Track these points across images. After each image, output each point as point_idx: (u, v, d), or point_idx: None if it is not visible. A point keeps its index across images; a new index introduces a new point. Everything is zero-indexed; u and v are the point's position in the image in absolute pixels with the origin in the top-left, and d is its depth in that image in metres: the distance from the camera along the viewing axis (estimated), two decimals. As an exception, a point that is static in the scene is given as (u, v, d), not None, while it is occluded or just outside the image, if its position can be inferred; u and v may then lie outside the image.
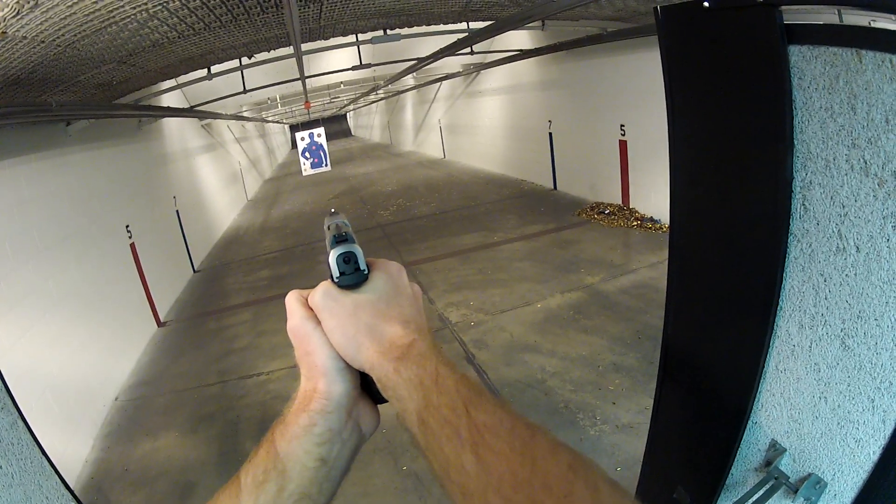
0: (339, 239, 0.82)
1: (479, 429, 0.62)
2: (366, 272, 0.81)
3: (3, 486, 1.61)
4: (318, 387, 0.78)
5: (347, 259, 0.80)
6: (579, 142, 14.03)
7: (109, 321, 8.51)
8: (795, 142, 1.40)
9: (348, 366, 0.79)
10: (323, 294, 0.80)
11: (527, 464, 0.58)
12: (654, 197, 11.31)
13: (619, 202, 12.46)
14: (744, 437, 1.75)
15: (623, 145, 11.95)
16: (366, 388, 0.82)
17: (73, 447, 6.37)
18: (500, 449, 0.60)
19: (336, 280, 0.80)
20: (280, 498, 0.74)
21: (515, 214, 14.21)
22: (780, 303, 1.55)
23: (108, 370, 8.06)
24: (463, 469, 0.61)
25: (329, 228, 0.88)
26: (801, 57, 1.36)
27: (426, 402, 0.67)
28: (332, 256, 0.80)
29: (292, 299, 0.83)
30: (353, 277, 0.80)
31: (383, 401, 0.80)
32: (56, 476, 1.85)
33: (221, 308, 11.31)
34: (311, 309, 0.81)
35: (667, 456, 2.13)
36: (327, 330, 0.79)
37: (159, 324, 10.63)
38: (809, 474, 1.59)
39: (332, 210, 0.97)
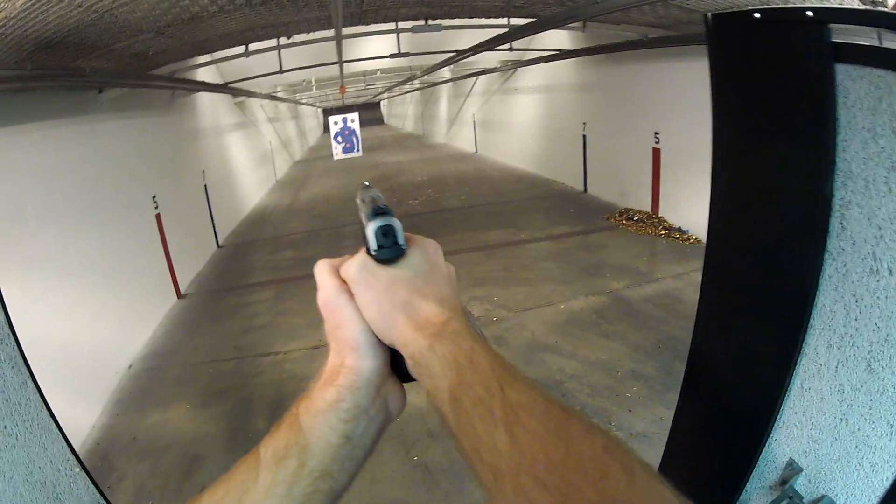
0: (378, 211, 0.79)
1: (514, 408, 0.60)
2: (404, 247, 0.79)
3: (7, 446, 1.61)
4: (347, 361, 0.77)
5: (386, 232, 0.78)
6: (612, 146, 13.93)
7: (129, 290, 8.60)
8: (837, 160, 1.39)
9: (379, 342, 0.77)
10: (359, 266, 0.78)
11: (561, 445, 0.57)
12: (683, 207, 11.21)
13: (649, 210, 12.36)
14: (762, 454, 1.74)
15: (656, 153, 11.85)
16: (394, 366, 0.80)
17: (81, 412, 6.45)
18: (534, 429, 0.58)
19: (373, 253, 0.78)
20: (300, 474, 0.72)
21: (544, 214, 14.17)
22: (811, 321, 1.53)
23: (124, 339, 8.15)
24: (495, 449, 0.59)
25: (364, 201, 0.86)
26: (846, 76, 1.35)
27: (460, 379, 0.66)
28: (371, 229, 0.78)
29: (324, 270, 0.81)
30: (391, 251, 0.78)
31: (411, 379, 0.78)
32: (62, 439, 1.84)
33: (243, 285, 11.39)
34: (344, 281, 0.79)
35: (681, 468, 2.12)
36: (361, 304, 0.77)
37: (179, 296, 10.72)
38: (823, 496, 1.58)
39: (366, 183, 0.94)
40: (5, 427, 1.63)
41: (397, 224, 0.79)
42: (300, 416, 0.76)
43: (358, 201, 0.90)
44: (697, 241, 10.52)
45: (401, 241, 0.79)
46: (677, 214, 11.50)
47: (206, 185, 13.81)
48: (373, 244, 0.78)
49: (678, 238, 10.92)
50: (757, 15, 1.47)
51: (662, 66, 11.06)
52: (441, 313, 0.74)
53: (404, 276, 0.77)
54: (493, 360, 0.67)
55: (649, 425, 5.39)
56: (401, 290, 0.76)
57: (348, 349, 0.77)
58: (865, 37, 1.35)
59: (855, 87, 1.33)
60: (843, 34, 1.36)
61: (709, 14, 1.60)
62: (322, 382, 0.78)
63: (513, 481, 0.57)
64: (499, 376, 0.64)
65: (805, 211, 1.49)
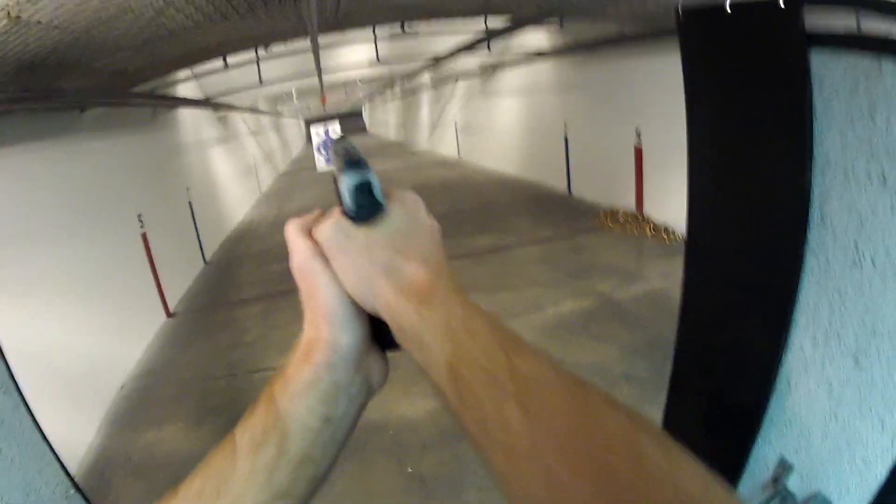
0: (353, 163, 0.71)
1: (525, 379, 0.54)
2: (383, 204, 0.71)
3: (2, 469, 1.59)
4: (323, 335, 0.69)
5: (362, 188, 0.69)
6: (595, 146, 13.95)
7: (118, 310, 8.54)
8: (814, 149, 1.36)
9: (359, 311, 0.70)
10: (333, 227, 0.70)
11: (584, 418, 0.51)
12: (668, 205, 11.21)
13: (634, 209, 12.38)
14: (753, 453, 1.71)
15: (638, 152, 11.86)
16: (376, 335, 0.73)
17: (77, 433, 6.40)
18: (552, 402, 0.52)
19: (349, 212, 0.70)
20: (281, 460, 0.67)
21: (528, 217, 14.15)
22: (795, 317, 1.51)
23: (115, 358, 8.09)
24: (507, 426, 0.52)
25: (338, 153, 0.77)
26: (821, 63, 1.32)
27: (456, 348, 0.59)
28: (345, 184, 0.70)
29: (295, 231, 0.73)
30: (368, 210, 0.69)
31: (395, 348, 0.71)
32: (57, 462, 1.83)
33: (232, 301, 11.33)
34: (318, 243, 0.71)
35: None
36: (337, 268, 0.70)
37: (168, 314, 10.64)
38: (816, 493, 1.55)
39: (341, 134, 0.86)
40: (1, 450, 1.61)
41: (374, 178, 0.71)
42: (276, 397, 0.70)
43: (331, 153, 0.83)
44: (684, 238, 10.52)
45: (379, 197, 0.71)
46: (662, 212, 11.51)
47: (190, 202, 13.72)
48: (348, 202, 0.70)
49: (664, 236, 10.94)
50: (727, 5, 1.45)
51: (641, 63, 11.07)
52: (427, 274, 0.67)
53: (384, 236, 0.69)
54: (492, 325, 0.61)
55: (642, 427, 5.36)
56: (380, 251, 0.68)
57: (323, 321, 0.70)
58: (840, 22, 1.32)
59: (830, 73, 1.31)
60: (818, 21, 1.34)
61: (679, 7, 1.57)
62: (297, 359, 0.71)
63: (534, 461, 0.50)
64: (501, 343, 0.59)
65: (784, 203, 1.47)
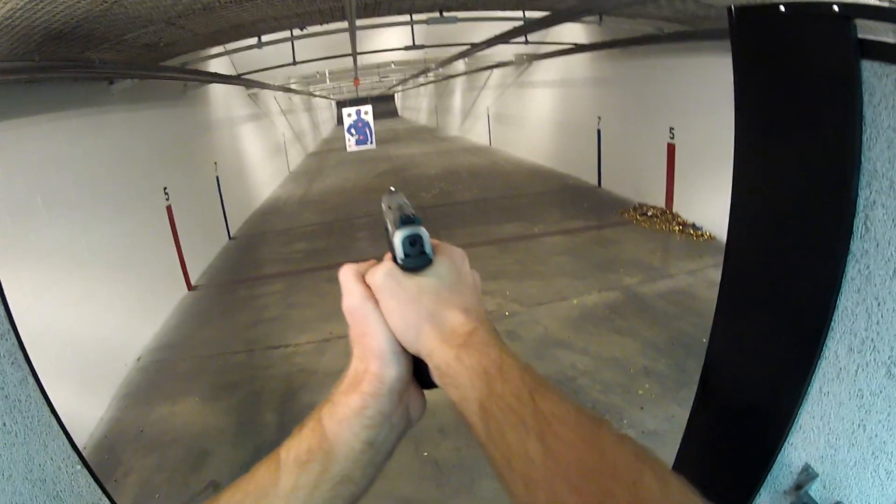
0: (406, 220, 0.79)
1: (546, 417, 0.61)
2: (431, 256, 0.79)
3: (6, 444, 1.60)
4: (371, 368, 0.77)
5: (414, 241, 0.78)
6: (627, 141, 13.88)
7: (139, 282, 8.64)
8: (862, 159, 1.36)
9: (403, 350, 0.77)
10: (386, 275, 0.77)
11: (595, 452, 0.57)
12: (698, 203, 11.15)
13: (663, 206, 12.31)
14: (777, 458, 1.71)
15: (671, 149, 11.79)
16: (415, 372, 0.80)
17: (89, 405, 6.48)
18: (567, 437, 0.59)
19: (400, 262, 0.78)
20: (323, 479, 0.73)
21: (557, 208, 14.12)
22: (832, 323, 1.50)
23: (133, 331, 8.19)
24: (528, 458, 0.59)
25: (391, 208, 0.86)
26: (872, 73, 1.31)
27: (489, 390, 0.65)
28: (398, 238, 0.78)
29: (350, 276, 0.81)
30: (418, 261, 0.78)
31: (432, 386, 0.78)
32: (64, 436, 1.83)
33: (254, 277, 11.42)
34: (369, 287, 0.79)
35: (695, 470, 2.09)
36: (386, 312, 0.76)
37: (190, 288, 10.76)
38: (837, 503, 1.55)
39: (392, 188, 0.95)
40: (4, 424, 1.62)
41: (425, 233, 0.79)
42: (323, 420, 0.76)
43: (384, 207, 0.90)
44: (711, 237, 10.47)
45: (428, 250, 0.79)
46: (691, 210, 11.45)
47: (217, 177, 13.85)
48: (400, 253, 0.78)
49: (692, 234, 10.87)
50: (782, 8, 1.44)
51: (678, 62, 11.00)
52: (467, 323, 0.74)
53: (430, 286, 0.77)
54: (523, 370, 0.67)
55: (661, 423, 5.36)
56: (427, 299, 0.76)
57: (373, 356, 0.77)
58: (891, 34, 1.31)
59: (881, 84, 1.30)
60: (870, 31, 1.33)
61: (732, 7, 1.56)
62: (345, 388, 0.78)
63: (546, 490, 0.58)
64: (529, 385, 0.64)
65: (828, 211, 1.46)
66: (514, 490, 0.61)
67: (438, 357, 0.72)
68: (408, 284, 0.76)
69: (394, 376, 0.76)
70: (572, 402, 0.63)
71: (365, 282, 0.79)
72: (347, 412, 0.75)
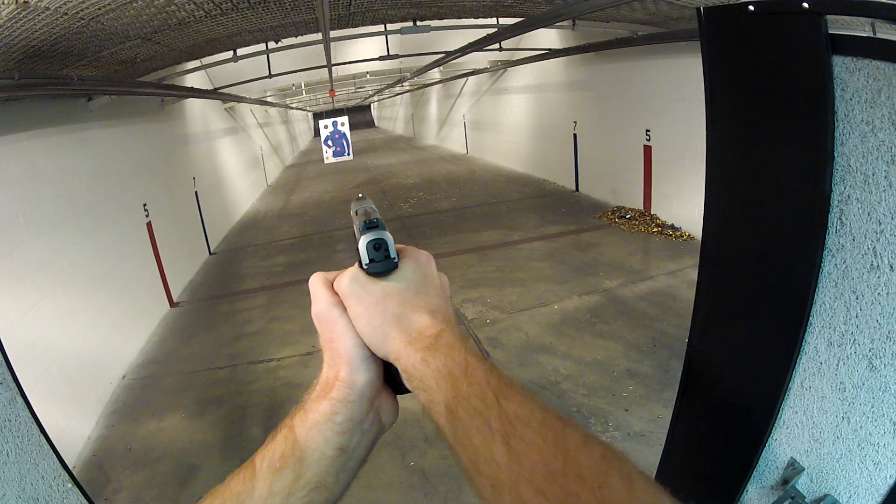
0: (370, 225, 0.80)
1: (511, 419, 0.60)
2: (395, 260, 0.79)
3: None
4: (341, 374, 0.77)
5: (378, 246, 0.78)
6: (603, 145, 13.97)
7: (121, 299, 8.56)
8: (836, 154, 1.37)
9: (373, 355, 0.77)
10: (351, 280, 0.78)
11: (560, 454, 0.57)
12: (676, 204, 11.23)
13: (641, 207, 12.39)
14: (762, 454, 1.72)
15: (647, 150, 11.87)
16: (387, 378, 0.80)
17: (76, 423, 6.40)
18: (532, 439, 0.58)
19: (365, 267, 0.79)
20: (296, 485, 0.73)
21: (536, 214, 14.17)
22: (811, 318, 1.51)
23: (117, 348, 8.10)
24: (493, 460, 0.59)
25: (357, 214, 0.87)
26: (844, 68, 1.33)
27: (455, 392, 0.65)
28: (363, 243, 0.79)
29: (318, 283, 0.82)
30: (382, 265, 0.79)
31: (404, 391, 0.78)
32: (54, 455, 1.82)
33: (235, 291, 11.35)
34: (337, 294, 0.80)
35: (681, 469, 2.10)
36: (353, 317, 0.77)
37: (172, 304, 10.68)
38: (825, 495, 1.56)
39: (360, 195, 0.95)
40: None
41: (389, 238, 0.79)
42: (295, 427, 0.76)
43: (352, 213, 0.91)
44: (690, 237, 10.54)
45: (392, 254, 0.80)
46: (669, 211, 11.52)
47: (196, 192, 13.77)
48: (364, 258, 0.79)
49: (671, 235, 10.95)
50: (751, 7, 1.45)
51: (652, 64, 11.10)
52: (433, 325, 0.74)
53: (396, 289, 0.78)
54: (488, 372, 0.66)
55: (647, 424, 5.37)
56: (392, 303, 0.76)
57: (342, 362, 0.78)
58: (860, 28, 1.33)
59: (852, 79, 1.31)
60: (840, 26, 1.34)
61: (701, 7, 1.58)
62: (316, 394, 0.79)
63: (512, 492, 0.57)
64: (494, 388, 0.64)
65: (803, 206, 1.47)
66: (482, 493, 0.61)
67: (405, 360, 0.72)
68: (373, 289, 0.77)
69: (363, 382, 0.77)
70: (538, 403, 0.63)
71: (333, 288, 0.80)
72: (318, 418, 0.76)
